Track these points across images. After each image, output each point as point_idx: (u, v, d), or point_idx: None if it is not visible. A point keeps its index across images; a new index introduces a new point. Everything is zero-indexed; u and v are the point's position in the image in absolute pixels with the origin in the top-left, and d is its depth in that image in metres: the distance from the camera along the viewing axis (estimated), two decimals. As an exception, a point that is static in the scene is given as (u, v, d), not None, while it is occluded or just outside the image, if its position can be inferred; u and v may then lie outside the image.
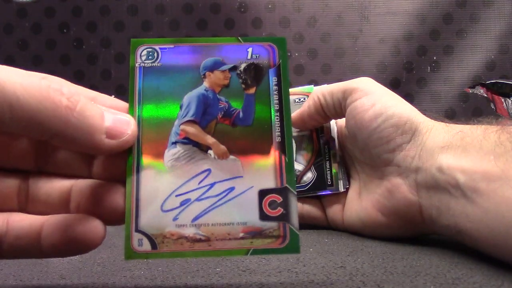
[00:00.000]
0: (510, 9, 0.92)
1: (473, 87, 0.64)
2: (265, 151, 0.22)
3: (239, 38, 0.24)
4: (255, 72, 0.23)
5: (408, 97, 0.92)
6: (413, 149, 0.33)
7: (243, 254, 0.21)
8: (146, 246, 0.21)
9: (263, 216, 0.22)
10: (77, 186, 0.22)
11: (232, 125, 0.23)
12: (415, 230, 0.34)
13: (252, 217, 0.22)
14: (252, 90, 0.23)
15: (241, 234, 0.22)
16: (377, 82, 0.37)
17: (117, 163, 0.22)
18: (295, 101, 0.43)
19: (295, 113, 0.40)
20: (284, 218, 0.22)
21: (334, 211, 0.40)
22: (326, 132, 0.42)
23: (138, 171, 0.22)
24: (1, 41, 0.90)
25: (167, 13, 0.92)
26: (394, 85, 0.92)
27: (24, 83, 0.18)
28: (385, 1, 0.92)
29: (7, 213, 0.22)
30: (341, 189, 0.40)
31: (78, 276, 0.26)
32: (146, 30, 0.91)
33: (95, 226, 0.21)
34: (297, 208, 0.22)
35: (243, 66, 0.23)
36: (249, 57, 0.24)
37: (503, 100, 0.59)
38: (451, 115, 0.91)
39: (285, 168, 0.22)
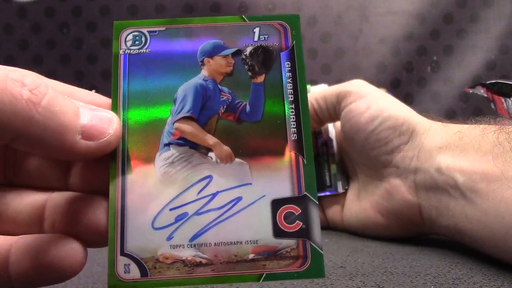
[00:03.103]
0: (510, 9, 0.91)
1: (473, 87, 0.64)
2: (279, 152, 0.19)
3: (243, 16, 0.20)
4: (263, 57, 0.20)
5: (408, 97, 0.92)
6: (411, 150, 0.33)
7: (255, 280, 0.17)
8: (135, 272, 0.17)
9: (278, 232, 0.18)
10: (52, 200, 0.19)
11: (238, 121, 0.19)
12: (415, 231, 0.34)
13: (264, 234, 0.18)
14: (260, 79, 0.20)
15: (251, 256, 0.18)
16: (370, 84, 0.37)
17: (98, 171, 0.19)
18: None
19: None
20: (304, 234, 0.18)
21: (333, 212, 0.40)
22: (324, 133, 0.42)
23: (123, 180, 0.18)
24: (1, 41, 0.90)
25: (167, 13, 0.92)
26: (394, 85, 0.92)
27: None
28: (385, 1, 0.92)
29: None
30: (340, 190, 0.40)
31: (78, 276, 0.26)
32: (146, 30, 0.91)
33: (73, 249, 0.17)
34: (319, 221, 0.18)
35: (249, 49, 0.20)
36: (256, 39, 0.20)
37: (503, 100, 0.59)
38: (451, 115, 0.91)
39: (304, 172, 0.18)
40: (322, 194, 0.40)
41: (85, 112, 0.17)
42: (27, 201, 0.19)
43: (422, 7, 0.91)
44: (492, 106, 0.61)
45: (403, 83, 0.92)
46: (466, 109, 0.91)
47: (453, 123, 0.32)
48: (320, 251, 0.18)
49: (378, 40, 0.92)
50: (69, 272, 0.18)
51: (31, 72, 0.17)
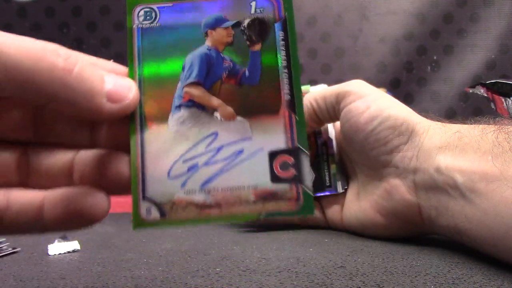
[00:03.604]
0: (510, 8, 0.92)
1: (473, 86, 0.64)
2: (274, 110, 0.21)
3: None
4: (260, 28, 0.22)
5: (408, 97, 0.92)
6: (411, 150, 0.32)
7: (256, 218, 0.20)
8: (155, 214, 0.20)
9: (275, 178, 0.21)
10: (79, 156, 0.22)
11: (238, 85, 0.22)
12: (414, 231, 0.34)
13: (263, 180, 0.21)
14: (257, 47, 0.22)
15: (252, 198, 0.21)
16: (370, 84, 0.37)
17: (120, 130, 0.21)
18: None
19: None
20: (296, 179, 0.21)
21: (333, 212, 0.40)
22: (324, 133, 0.41)
23: (142, 138, 0.21)
24: (1, 41, 0.90)
25: (167, 13, 0.92)
26: (394, 85, 0.92)
27: (19, 45, 0.18)
28: (385, 1, 0.92)
29: (7, 189, 0.21)
30: (340, 190, 0.39)
31: (78, 276, 0.26)
32: (146, 30, 0.91)
33: (99, 199, 0.20)
34: (310, 168, 0.21)
35: (246, 21, 0.22)
36: (252, 11, 0.22)
37: (503, 100, 0.59)
38: (451, 115, 0.91)
39: (296, 127, 0.21)
40: (322, 194, 0.40)
41: (109, 79, 0.20)
42: (58, 157, 0.22)
43: (422, 6, 0.92)
44: (492, 105, 0.61)
45: (403, 83, 0.92)
46: (466, 109, 0.91)
47: (453, 123, 0.32)
48: (310, 193, 0.21)
49: (378, 40, 0.92)
50: (96, 218, 0.20)
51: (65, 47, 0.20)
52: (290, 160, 0.21)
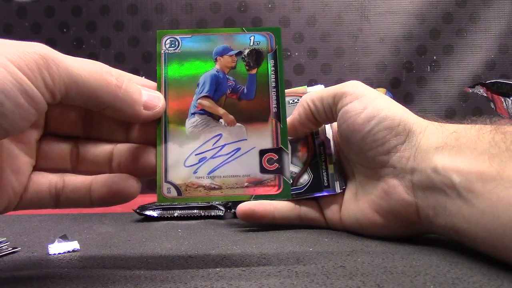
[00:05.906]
0: (510, 8, 0.92)
1: (473, 86, 0.64)
2: (264, 119, 0.28)
3: (243, 28, 0.29)
4: (256, 56, 0.29)
5: (408, 96, 0.92)
6: (408, 150, 0.33)
7: (248, 199, 0.28)
8: (173, 193, 0.27)
9: (263, 170, 0.27)
10: (117, 148, 0.28)
11: (238, 99, 0.28)
12: (413, 230, 0.34)
13: (254, 171, 0.27)
14: (254, 71, 0.29)
15: (246, 184, 0.27)
16: (366, 85, 0.37)
17: (149, 130, 0.28)
18: (289, 102, 0.43)
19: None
20: (279, 171, 0.27)
21: (331, 212, 0.40)
22: (321, 133, 0.41)
23: (165, 136, 0.28)
24: (1, 41, 0.90)
25: (167, 13, 0.92)
26: (394, 84, 0.92)
27: (85, 67, 0.24)
28: (385, 1, 0.93)
29: (63, 174, 0.27)
30: (338, 190, 0.40)
31: (78, 276, 0.26)
32: (146, 29, 0.92)
33: (133, 182, 0.27)
34: (289, 163, 0.29)
35: (246, 51, 0.29)
36: (251, 44, 0.29)
37: (503, 99, 0.59)
38: (451, 115, 0.92)
39: (280, 133, 0.28)
40: (320, 194, 0.40)
41: (144, 92, 0.27)
42: (100, 149, 0.28)
43: (422, 6, 0.92)
44: (492, 105, 0.61)
45: (403, 83, 0.93)
46: (465, 109, 0.92)
47: (449, 123, 0.32)
48: (288, 182, 0.28)
49: (378, 39, 0.93)
50: (130, 197, 0.27)
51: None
52: (275, 157, 0.28)
